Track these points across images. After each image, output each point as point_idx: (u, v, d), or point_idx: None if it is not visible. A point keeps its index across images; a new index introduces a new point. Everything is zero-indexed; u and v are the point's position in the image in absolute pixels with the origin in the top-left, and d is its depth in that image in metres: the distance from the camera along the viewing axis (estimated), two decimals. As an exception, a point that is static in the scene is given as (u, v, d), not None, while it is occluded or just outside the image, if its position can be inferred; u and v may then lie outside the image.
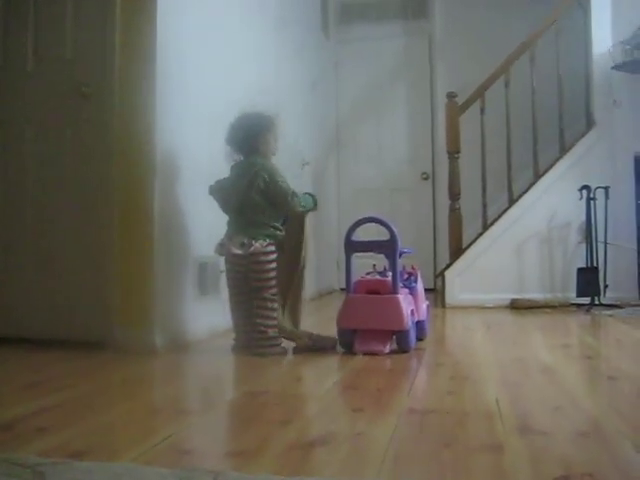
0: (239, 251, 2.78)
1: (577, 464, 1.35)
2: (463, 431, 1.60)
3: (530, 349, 2.95)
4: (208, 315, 3.27)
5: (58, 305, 3.01)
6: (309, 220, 3.03)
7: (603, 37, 4.83)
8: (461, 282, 4.87)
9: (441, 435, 1.57)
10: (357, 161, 6.84)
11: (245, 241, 2.77)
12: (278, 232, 2.87)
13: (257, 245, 2.78)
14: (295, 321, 2.94)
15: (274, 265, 2.83)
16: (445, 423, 1.68)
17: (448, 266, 4.95)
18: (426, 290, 3.42)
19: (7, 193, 3.12)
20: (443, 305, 4.86)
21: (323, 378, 2.41)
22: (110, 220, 2.92)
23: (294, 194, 2.85)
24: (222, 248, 2.85)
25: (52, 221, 3.04)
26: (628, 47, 4.63)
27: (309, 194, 2.99)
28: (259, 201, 2.81)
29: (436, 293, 5.63)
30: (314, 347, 2.84)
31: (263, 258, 2.80)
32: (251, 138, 2.89)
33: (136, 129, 2.90)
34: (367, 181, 6.76)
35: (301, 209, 2.90)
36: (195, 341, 3.11)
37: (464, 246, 4.95)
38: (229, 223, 2.90)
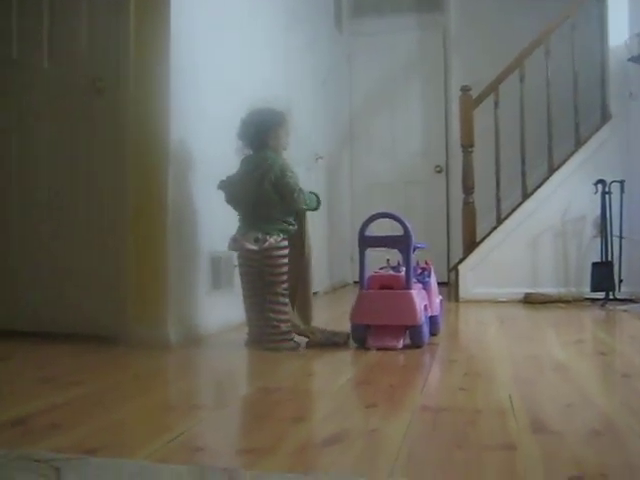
0: (254, 247, 2.78)
1: (590, 464, 1.34)
2: (476, 429, 1.60)
3: (543, 345, 2.94)
4: (221, 309, 3.28)
5: (70, 299, 3.04)
6: (311, 215, 3.01)
7: (619, 29, 4.78)
8: (475, 276, 4.86)
9: (454, 433, 1.57)
10: (370, 154, 6.83)
11: (259, 236, 2.77)
12: (291, 227, 2.87)
13: (271, 240, 2.78)
14: (306, 317, 2.94)
15: (287, 260, 2.84)
16: (458, 421, 1.67)
17: (462, 260, 4.94)
18: (439, 283, 3.42)
19: (23, 187, 3.15)
20: (457, 299, 4.85)
21: (336, 374, 2.41)
22: (123, 213, 2.93)
23: (300, 191, 2.84)
24: (235, 243, 2.86)
25: (65, 213, 3.06)
26: (645, 39, 4.59)
27: (313, 193, 2.98)
28: (272, 195, 2.81)
29: (449, 287, 5.62)
30: (327, 342, 2.84)
31: (276, 253, 2.81)
32: (262, 133, 2.89)
33: (150, 122, 2.91)
34: (380, 174, 6.75)
35: (304, 207, 2.90)
36: (208, 335, 3.13)
37: (478, 240, 4.94)
38: (241, 218, 2.90)
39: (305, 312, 2.94)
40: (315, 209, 2.98)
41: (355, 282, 5.87)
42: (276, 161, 2.85)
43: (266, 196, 2.80)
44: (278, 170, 2.81)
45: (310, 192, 2.95)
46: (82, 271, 3.02)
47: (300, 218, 2.94)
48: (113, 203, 2.97)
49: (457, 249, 5.50)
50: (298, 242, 2.91)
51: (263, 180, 2.80)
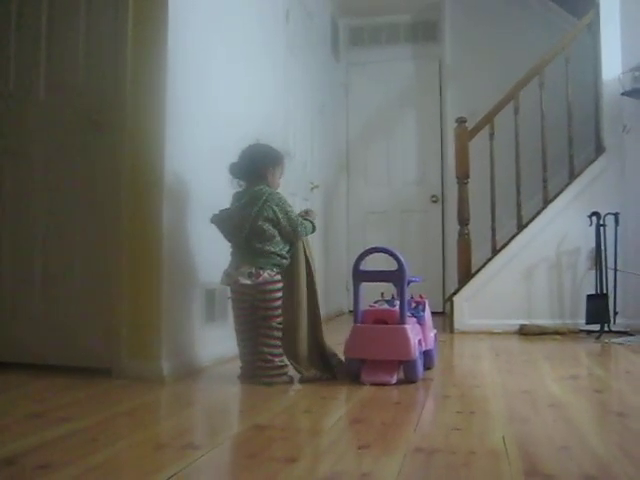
0: (247, 281, 2.77)
1: (584, 512, 1.33)
2: (469, 473, 1.58)
3: (538, 380, 2.93)
4: (215, 342, 3.27)
5: (65, 331, 3.02)
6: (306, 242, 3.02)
7: (613, 63, 4.84)
8: (470, 307, 4.86)
9: (447, 478, 1.56)
10: (367, 183, 6.86)
11: (253, 271, 2.77)
12: (284, 260, 2.87)
13: (265, 275, 2.78)
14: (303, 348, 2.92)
15: (280, 294, 2.84)
16: (451, 464, 1.66)
17: (457, 291, 4.93)
18: (435, 313, 3.41)
19: (17, 220, 3.14)
20: (451, 330, 4.84)
21: (329, 411, 2.39)
22: (118, 247, 2.93)
23: (301, 224, 2.86)
24: (228, 278, 2.85)
25: (61, 247, 3.06)
26: (638, 74, 4.63)
27: (307, 219, 2.98)
28: (267, 229, 2.81)
29: (445, 317, 5.61)
30: (322, 377, 2.84)
31: (270, 287, 2.80)
32: (260, 167, 2.90)
33: (146, 156, 2.91)
34: (376, 203, 6.79)
35: (304, 236, 2.92)
36: (202, 368, 3.12)
37: (473, 271, 4.94)
38: (234, 252, 2.90)
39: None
40: (313, 232, 2.99)
41: (351, 311, 5.85)
42: (272, 195, 2.86)
43: (260, 230, 2.80)
44: (276, 205, 2.82)
45: (303, 218, 2.95)
46: (76, 304, 3.01)
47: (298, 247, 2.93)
48: (108, 235, 2.96)
49: (452, 277, 5.51)
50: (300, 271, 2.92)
51: (258, 214, 2.80)
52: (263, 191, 2.86)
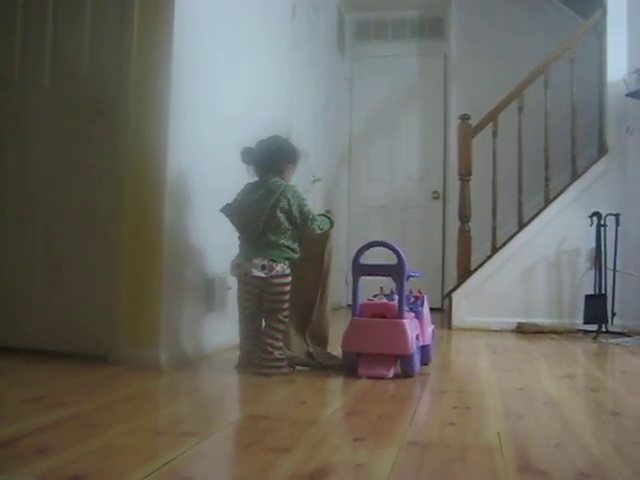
0: (261, 274, 2.78)
1: (576, 508, 1.34)
2: (463, 467, 1.59)
3: (534, 378, 2.94)
4: (214, 331, 3.28)
5: (65, 317, 3.03)
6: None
7: (618, 64, 4.84)
8: (468, 304, 4.87)
9: (441, 471, 1.57)
10: (369, 177, 6.87)
11: (266, 263, 2.77)
12: (295, 255, 2.88)
13: (278, 268, 2.78)
14: (324, 338, 3.04)
15: (289, 288, 2.85)
16: (445, 458, 1.67)
17: (456, 288, 4.94)
18: (433, 309, 3.41)
19: (19, 207, 3.15)
20: (449, 327, 4.86)
21: (325, 403, 2.41)
22: (120, 235, 2.93)
23: (314, 219, 2.86)
24: (239, 269, 2.84)
25: (62, 234, 3.07)
26: (643, 75, 4.63)
27: (325, 215, 2.99)
28: (283, 222, 2.81)
29: (443, 313, 5.62)
30: (317, 366, 2.87)
31: (281, 280, 2.82)
32: (279, 161, 2.91)
33: (149, 146, 2.92)
34: (378, 198, 6.79)
35: (319, 232, 2.91)
36: (200, 357, 3.13)
37: (473, 268, 4.95)
38: (245, 243, 2.89)
39: (322, 332, 2.99)
40: (330, 229, 3.00)
41: (349, 305, 5.86)
42: (288, 188, 2.86)
43: (276, 222, 2.80)
44: (291, 197, 2.82)
45: (320, 214, 2.96)
46: (76, 291, 3.02)
47: (324, 238, 2.97)
48: (109, 223, 2.97)
49: (452, 274, 5.52)
50: (318, 262, 2.97)
51: (275, 205, 2.80)
52: (279, 183, 2.85)
